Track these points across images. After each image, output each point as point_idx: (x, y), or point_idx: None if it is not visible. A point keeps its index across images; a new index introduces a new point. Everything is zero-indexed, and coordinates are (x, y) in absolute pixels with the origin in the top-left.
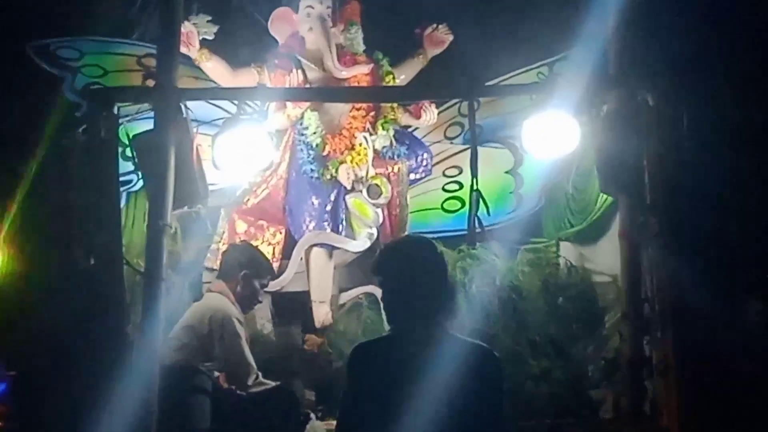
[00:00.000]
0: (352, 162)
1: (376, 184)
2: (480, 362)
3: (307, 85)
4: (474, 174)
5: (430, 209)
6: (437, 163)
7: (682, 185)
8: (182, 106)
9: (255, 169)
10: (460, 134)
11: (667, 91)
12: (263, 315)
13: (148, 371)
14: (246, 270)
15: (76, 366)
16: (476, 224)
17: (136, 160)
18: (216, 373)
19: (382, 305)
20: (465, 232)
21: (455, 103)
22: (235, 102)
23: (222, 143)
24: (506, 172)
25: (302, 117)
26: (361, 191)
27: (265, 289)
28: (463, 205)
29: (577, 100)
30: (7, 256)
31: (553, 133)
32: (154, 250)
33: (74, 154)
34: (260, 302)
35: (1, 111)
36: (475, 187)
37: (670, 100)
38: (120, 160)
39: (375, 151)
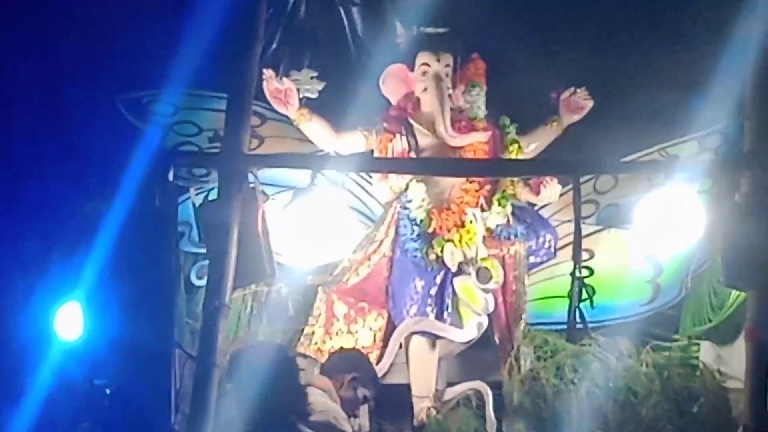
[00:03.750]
0: (460, 241)
1: (486, 267)
2: None
3: (413, 154)
4: (577, 261)
5: (555, 297)
6: (565, 246)
7: None
8: (250, 174)
9: (330, 247)
10: (594, 213)
11: None
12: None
13: None
14: (355, 374)
15: None
16: (577, 318)
17: (200, 232)
18: None
19: None
20: (593, 325)
21: (590, 179)
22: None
23: (292, 216)
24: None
25: (406, 188)
26: (469, 274)
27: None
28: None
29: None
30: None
31: (673, 215)
32: (208, 333)
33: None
34: (357, 416)
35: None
36: (577, 275)
37: None
38: None
39: (488, 229)
